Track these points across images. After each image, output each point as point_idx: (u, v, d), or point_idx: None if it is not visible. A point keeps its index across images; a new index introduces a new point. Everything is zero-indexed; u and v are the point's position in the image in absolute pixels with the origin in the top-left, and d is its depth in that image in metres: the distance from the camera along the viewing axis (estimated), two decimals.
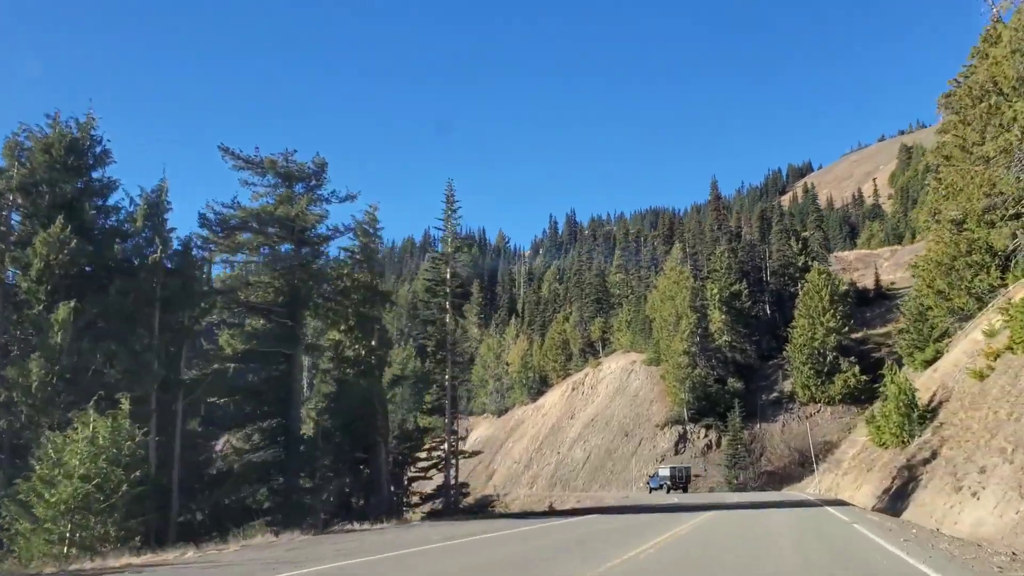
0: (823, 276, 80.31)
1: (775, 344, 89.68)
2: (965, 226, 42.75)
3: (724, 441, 73.17)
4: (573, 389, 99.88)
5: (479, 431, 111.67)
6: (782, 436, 75.01)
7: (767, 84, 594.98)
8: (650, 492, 65.62)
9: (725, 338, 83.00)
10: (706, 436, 77.12)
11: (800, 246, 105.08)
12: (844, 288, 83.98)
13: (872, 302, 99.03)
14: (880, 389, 44.97)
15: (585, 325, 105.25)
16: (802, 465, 68.48)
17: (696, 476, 71.30)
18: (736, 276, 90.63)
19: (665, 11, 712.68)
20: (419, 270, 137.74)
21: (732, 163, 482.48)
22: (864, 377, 72.99)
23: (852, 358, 77.05)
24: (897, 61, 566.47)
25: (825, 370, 75.59)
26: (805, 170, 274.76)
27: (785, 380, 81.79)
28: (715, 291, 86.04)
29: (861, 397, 72.35)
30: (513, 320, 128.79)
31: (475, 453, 59.85)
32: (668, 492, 63.72)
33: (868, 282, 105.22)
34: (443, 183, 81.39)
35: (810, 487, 59.22)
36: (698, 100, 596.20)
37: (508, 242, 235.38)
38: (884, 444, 37.04)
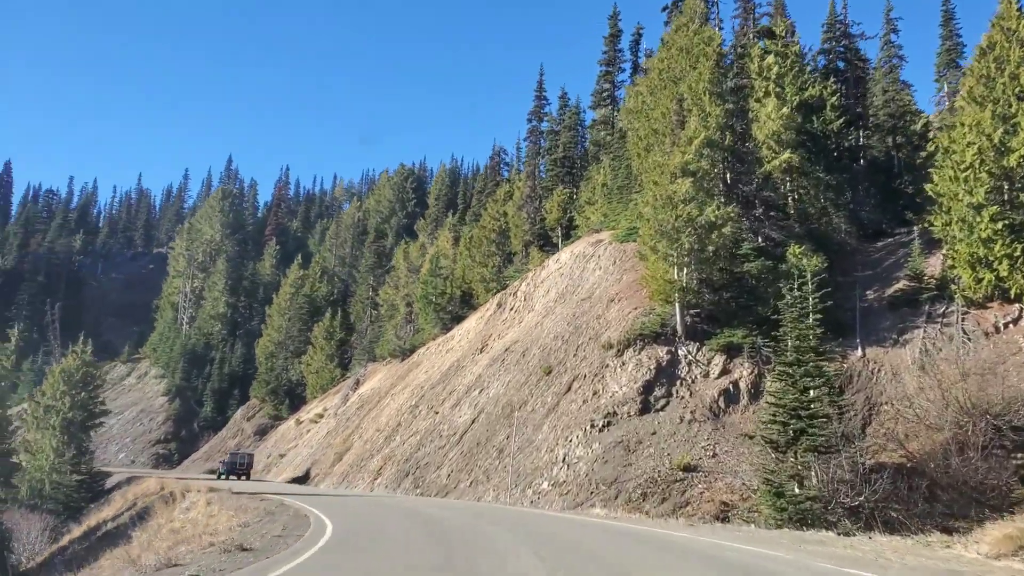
0: None
1: (889, 211, 43.66)
2: None
3: (770, 381, 27.35)
4: (498, 306, 54.70)
5: (372, 382, 67.49)
6: (921, 377, 28.36)
7: None
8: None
9: (785, 157, 36.84)
10: (726, 371, 31.40)
11: None
12: None
13: None
14: None
15: (538, 202, 59.81)
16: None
17: (691, 469, 26.07)
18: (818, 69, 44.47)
19: None
20: None
21: None
22: None
23: None
24: None
25: None
26: None
27: (925, 256, 35.13)
28: (771, 67, 39.81)
29: None
30: (450, 216, 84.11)
31: None
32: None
33: None
34: None
35: None
36: None
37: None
38: None
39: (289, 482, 55.94)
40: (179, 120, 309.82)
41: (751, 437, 24.80)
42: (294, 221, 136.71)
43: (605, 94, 60.46)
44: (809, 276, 25.89)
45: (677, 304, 32.83)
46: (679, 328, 32.83)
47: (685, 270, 32.64)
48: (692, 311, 33.38)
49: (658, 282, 33.17)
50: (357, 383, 70.87)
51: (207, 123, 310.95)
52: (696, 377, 31.47)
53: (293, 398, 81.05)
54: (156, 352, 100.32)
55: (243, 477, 55.48)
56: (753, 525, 22.48)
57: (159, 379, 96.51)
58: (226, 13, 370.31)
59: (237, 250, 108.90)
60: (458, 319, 62.22)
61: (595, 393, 32.09)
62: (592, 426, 29.98)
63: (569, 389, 33.86)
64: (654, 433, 28.76)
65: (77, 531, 35.14)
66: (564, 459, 29.53)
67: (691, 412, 29.65)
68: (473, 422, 39.50)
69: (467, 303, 63.54)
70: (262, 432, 79.49)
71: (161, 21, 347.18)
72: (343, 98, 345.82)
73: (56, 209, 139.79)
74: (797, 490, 22.46)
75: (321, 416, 69.36)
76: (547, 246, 58.12)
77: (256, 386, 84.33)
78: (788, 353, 23.61)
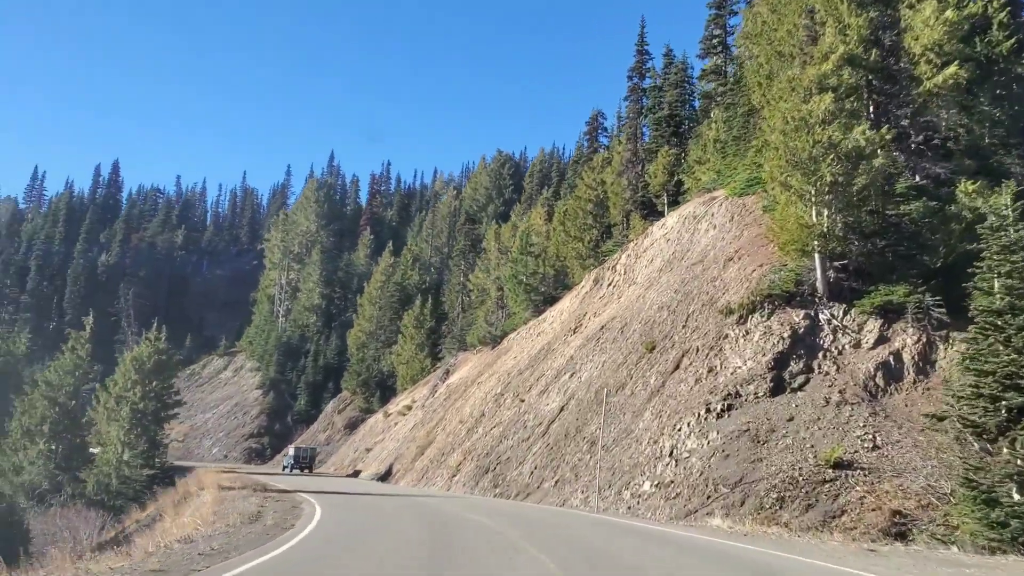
0: None
1: None
2: None
3: (958, 345, 20.09)
4: (595, 283, 48.23)
5: (461, 372, 62.37)
6: None
7: None
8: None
9: (950, 72, 28.78)
10: (883, 339, 23.93)
11: None
12: None
13: None
14: None
15: (640, 166, 52.81)
16: None
17: (844, 466, 19.03)
18: None
19: None
20: None
21: None
22: None
23: None
24: None
25: None
26: None
27: None
28: None
29: None
30: (544, 192, 78.00)
31: None
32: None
33: None
34: None
35: None
36: None
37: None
38: None
39: (372, 479, 51.50)
40: (283, 119, 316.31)
41: (940, 419, 17.45)
42: (389, 211, 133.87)
43: (715, 40, 52.73)
44: (1010, 200, 18.27)
45: (816, 256, 25.53)
46: (820, 286, 25.52)
47: (826, 212, 25.31)
48: (836, 264, 25.98)
49: (790, 230, 25.96)
50: (447, 373, 65.84)
51: (310, 121, 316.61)
52: (844, 347, 24.14)
53: (384, 390, 76.99)
54: (252, 345, 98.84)
55: (307, 471, 53.86)
56: (955, 547, 15.31)
57: (254, 372, 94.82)
58: (329, 12, 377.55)
59: (332, 241, 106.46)
60: (551, 301, 56.05)
61: (711, 370, 25.24)
62: (708, 411, 23.19)
63: (677, 367, 27.12)
64: (791, 419, 21.73)
65: (109, 532, 31.41)
66: (671, 453, 22.91)
67: (839, 392, 22.41)
68: (562, 410, 33.27)
69: (561, 283, 57.29)
70: (352, 425, 75.79)
71: (261, 30, 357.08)
72: (448, 89, 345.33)
73: (161, 207, 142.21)
74: (1017, 496, 15.17)
75: (409, 408, 64.77)
76: (650, 215, 51.12)
77: (347, 378, 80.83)
78: (996, 297, 16.24)
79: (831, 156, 24.42)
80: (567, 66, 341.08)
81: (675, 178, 51.18)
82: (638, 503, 22.16)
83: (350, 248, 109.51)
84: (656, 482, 22.28)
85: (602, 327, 38.03)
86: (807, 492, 19.05)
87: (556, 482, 27.78)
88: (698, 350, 26.76)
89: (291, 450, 60.02)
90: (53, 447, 49.70)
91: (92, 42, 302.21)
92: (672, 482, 21.65)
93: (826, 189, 24.81)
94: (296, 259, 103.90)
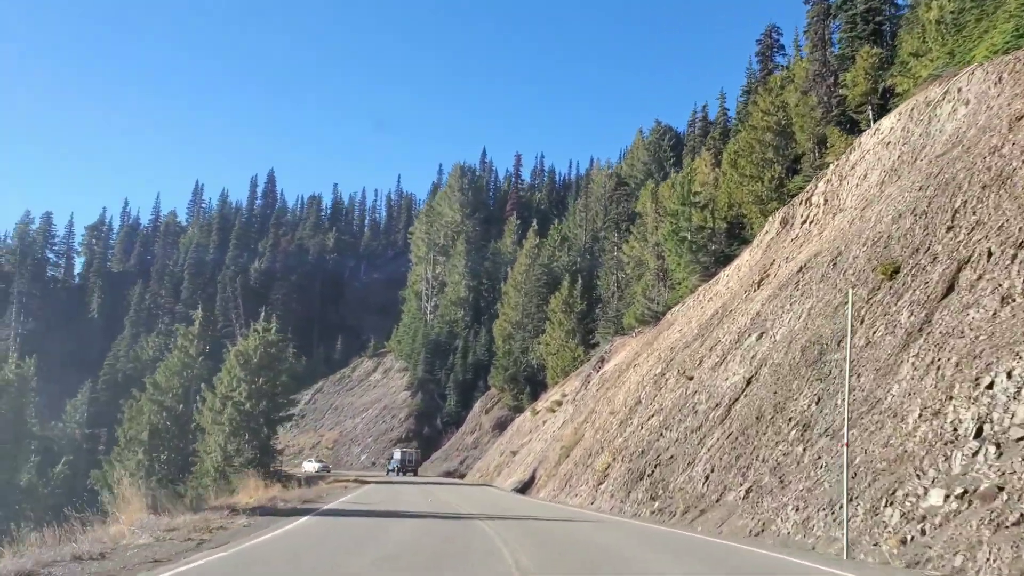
0: None
1: None
2: None
3: None
4: (783, 225, 36.42)
5: (617, 359, 51.95)
6: None
7: None
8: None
9: None
10: None
11: None
12: None
13: None
14: None
15: (832, 77, 40.14)
16: None
17: None
18: None
19: None
20: None
21: None
22: None
23: None
24: None
25: None
26: None
27: None
28: None
29: None
30: (712, 133, 65.76)
31: None
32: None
33: None
34: None
35: None
36: None
37: None
38: None
39: (513, 489, 42.54)
40: (436, 120, 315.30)
41: None
42: (538, 194, 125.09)
43: None
44: None
45: None
46: None
47: None
48: None
49: None
50: (601, 362, 55.62)
51: (462, 118, 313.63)
52: None
53: (533, 385, 67.91)
54: (400, 344, 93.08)
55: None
56: None
57: (402, 373, 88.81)
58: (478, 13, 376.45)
59: (478, 231, 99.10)
60: (723, 261, 44.55)
61: None
62: None
63: (951, 288, 15.63)
64: None
65: None
66: (979, 431, 11.67)
67: None
68: (748, 383, 22.32)
69: (735, 237, 45.65)
70: (501, 426, 67.23)
71: (420, 25, 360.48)
72: (595, 78, 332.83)
73: (309, 211, 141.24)
74: None
75: (559, 404, 55.16)
76: (852, 133, 38.64)
77: (494, 373, 72.53)
78: None
79: None
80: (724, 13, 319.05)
81: (879, 85, 38.47)
82: (920, 532, 11.09)
83: (496, 237, 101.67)
84: (956, 488, 11.12)
85: (800, 269, 26.55)
86: None
87: (747, 492, 17.02)
88: (990, 254, 15.13)
89: (396, 453, 62.65)
90: (153, 456, 44.27)
91: (251, 61, 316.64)
92: (1000, 487, 10.45)
93: None
94: (441, 251, 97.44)
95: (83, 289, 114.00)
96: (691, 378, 27.74)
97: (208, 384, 46.84)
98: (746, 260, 39.10)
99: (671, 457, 22.88)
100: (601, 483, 27.51)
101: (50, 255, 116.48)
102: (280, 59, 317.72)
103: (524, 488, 41.43)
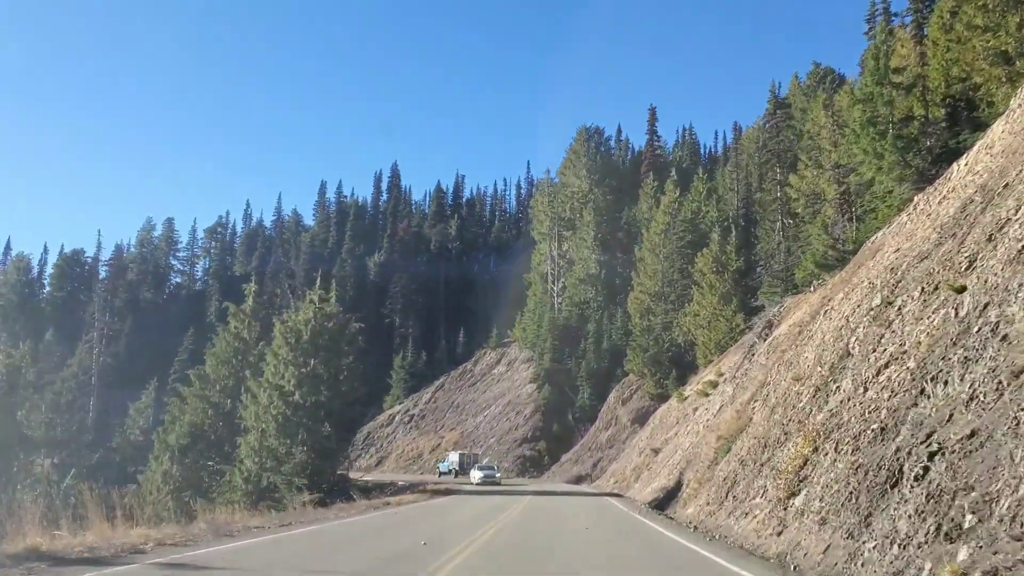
0: None
1: None
2: None
3: None
4: None
5: (791, 320, 37.93)
6: None
7: None
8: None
9: None
10: None
11: None
12: None
13: None
14: None
15: None
16: None
17: None
18: None
19: None
20: None
21: None
22: None
23: None
24: None
25: None
26: None
27: None
28: None
29: None
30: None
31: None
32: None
33: None
34: None
35: None
36: None
37: None
38: None
39: (650, 504, 30.31)
40: (565, 102, 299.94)
41: None
42: (679, 151, 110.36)
43: None
44: None
45: None
46: None
47: None
48: None
49: None
50: (768, 327, 41.65)
51: (592, 102, 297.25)
52: None
53: (680, 367, 54.59)
54: (525, 332, 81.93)
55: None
56: None
57: (527, 364, 77.54)
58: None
59: (609, 200, 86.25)
60: (947, 158, 29.99)
61: None
62: None
63: None
64: None
65: None
66: None
67: None
68: None
69: (959, 121, 30.99)
70: (641, 419, 54.37)
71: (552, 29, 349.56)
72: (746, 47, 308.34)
73: (432, 200, 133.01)
74: None
75: (714, 385, 41.90)
76: None
77: (631, 356, 59.86)
78: None
79: None
80: None
81: None
82: None
83: (631, 205, 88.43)
84: None
85: None
86: None
87: None
88: None
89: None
90: (185, 463, 35.05)
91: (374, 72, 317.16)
92: None
93: None
94: (567, 225, 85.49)
95: (203, 294, 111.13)
96: (961, 288, 14.37)
97: (259, 374, 37.34)
98: (997, 134, 24.68)
99: (971, 435, 9.83)
100: (793, 495, 14.68)
101: (173, 261, 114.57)
102: (407, 72, 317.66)
103: (667, 499, 28.94)
